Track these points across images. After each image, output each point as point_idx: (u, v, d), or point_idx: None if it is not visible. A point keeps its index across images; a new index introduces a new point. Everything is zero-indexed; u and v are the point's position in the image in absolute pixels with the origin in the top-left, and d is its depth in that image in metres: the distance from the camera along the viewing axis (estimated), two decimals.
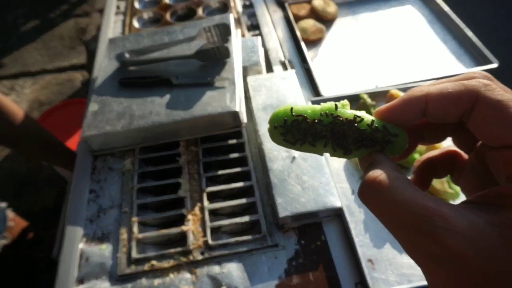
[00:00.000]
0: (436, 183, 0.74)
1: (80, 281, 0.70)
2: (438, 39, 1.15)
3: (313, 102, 0.95)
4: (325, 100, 0.95)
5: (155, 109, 0.86)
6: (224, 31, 0.98)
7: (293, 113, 0.32)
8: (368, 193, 0.26)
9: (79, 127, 1.98)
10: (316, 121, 0.32)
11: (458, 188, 0.74)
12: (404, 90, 0.94)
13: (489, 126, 0.24)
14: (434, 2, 1.24)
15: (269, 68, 1.08)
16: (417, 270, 0.68)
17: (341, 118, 0.31)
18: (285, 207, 0.72)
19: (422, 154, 0.82)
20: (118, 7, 1.35)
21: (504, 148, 0.24)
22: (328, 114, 0.31)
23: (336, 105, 0.32)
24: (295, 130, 0.32)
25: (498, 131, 0.24)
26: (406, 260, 0.69)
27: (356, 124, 0.31)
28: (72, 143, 1.86)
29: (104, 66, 1.01)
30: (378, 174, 0.25)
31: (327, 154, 0.33)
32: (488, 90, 0.25)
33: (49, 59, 2.75)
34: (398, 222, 0.23)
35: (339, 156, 0.32)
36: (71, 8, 3.21)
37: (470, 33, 1.10)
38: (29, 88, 2.54)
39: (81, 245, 0.75)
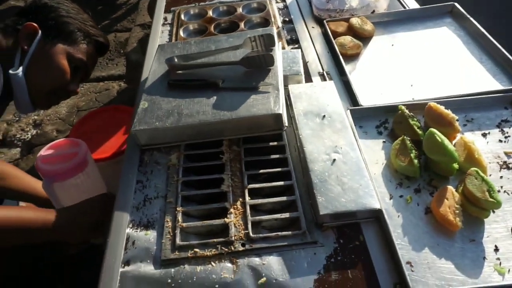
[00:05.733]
0: (477, 191, 0.75)
1: (126, 262, 0.73)
2: (473, 58, 1.17)
3: (352, 111, 0.97)
4: (364, 110, 0.99)
5: (202, 109, 0.91)
6: (268, 41, 1.04)
7: None
8: None
9: (112, 134, 2.08)
10: None
11: (499, 197, 0.74)
12: (441, 103, 0.96)
13: None
14: (470, 23, 1.27)
15: (308, 79, 1.12)
16: (458, 275, 0.68)
17: None
18: (326, 206, 0.75)
19: (461, 165, 0.83)
20: (165, 19, 1.45)
21: None
22: None
23: None
24: None
25: None
26: (446, 265, 0.69)
27: None
28: (108, 147, 1.93)
29: (153, 69, 1.08)
30: None
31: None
32: None
33: None
34: None
35: None
36: (112, 23, 3.41)
37: (505, 53, 1.12)
38: None
39: (127, 230, 0.79)
